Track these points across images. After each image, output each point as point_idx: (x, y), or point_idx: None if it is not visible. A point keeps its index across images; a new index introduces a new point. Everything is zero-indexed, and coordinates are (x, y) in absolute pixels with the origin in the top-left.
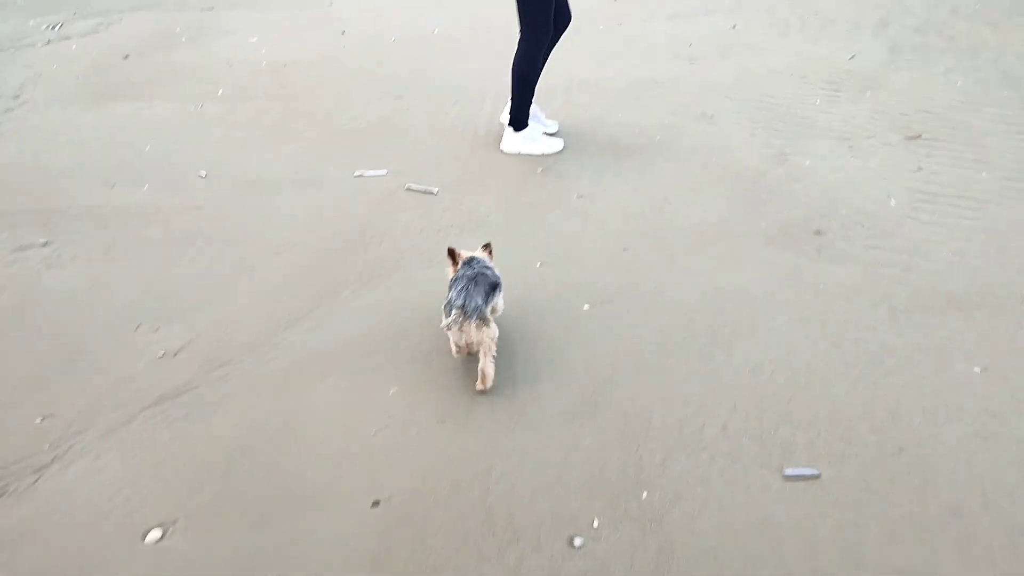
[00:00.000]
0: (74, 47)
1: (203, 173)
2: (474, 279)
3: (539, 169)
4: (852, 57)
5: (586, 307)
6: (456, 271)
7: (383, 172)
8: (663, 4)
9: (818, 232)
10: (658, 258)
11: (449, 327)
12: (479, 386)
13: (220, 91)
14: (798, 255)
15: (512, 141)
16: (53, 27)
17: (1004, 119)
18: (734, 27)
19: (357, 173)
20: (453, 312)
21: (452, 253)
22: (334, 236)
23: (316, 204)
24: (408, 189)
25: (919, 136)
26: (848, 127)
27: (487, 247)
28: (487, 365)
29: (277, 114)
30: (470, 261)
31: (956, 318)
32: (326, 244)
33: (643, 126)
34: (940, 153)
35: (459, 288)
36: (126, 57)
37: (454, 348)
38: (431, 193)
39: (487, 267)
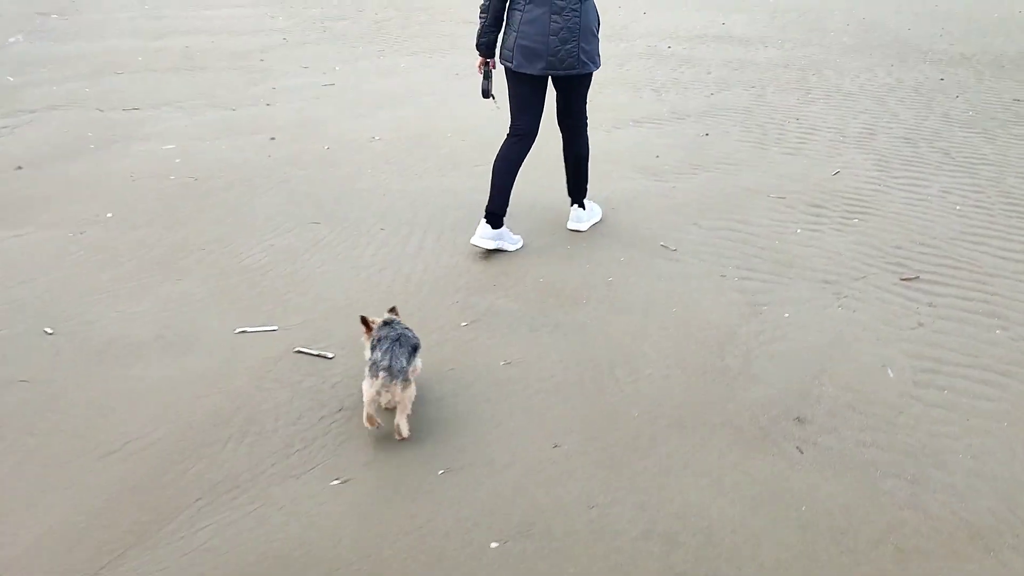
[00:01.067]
0: None
1: (50, 330)
2: (397, 340)
3: (463, 323)
4: (836, 173)
5: (494, 545)
6: (371, 335)
7: (273, 328)
8: (631, 107)
9: (799, 420)
10: (596, 460)
11: (379, 391)
12: (397, 437)
13: (110, 214)
14: (775, 458)
15: (583, 217)
16: None
17: (1013, 255)
18: (706, 135)
19: (239, 330)
20: (381, 374)
21: (365, 321)
22: (188, 427)
23: (179, 376)
24: (298, 352)
25: (916, 277)
26: (833, 265)
27: (393, 310)
28: (403, 420)
29: (167, 245)
30: (389, 323)
31: (982, 565)
32: (175, 439)
33: (593, 263)
34: (944, 301)
35: (384, 349)
36: (19, 168)
37: (368, 415)
38: (325, 358)
39: (407, 329)
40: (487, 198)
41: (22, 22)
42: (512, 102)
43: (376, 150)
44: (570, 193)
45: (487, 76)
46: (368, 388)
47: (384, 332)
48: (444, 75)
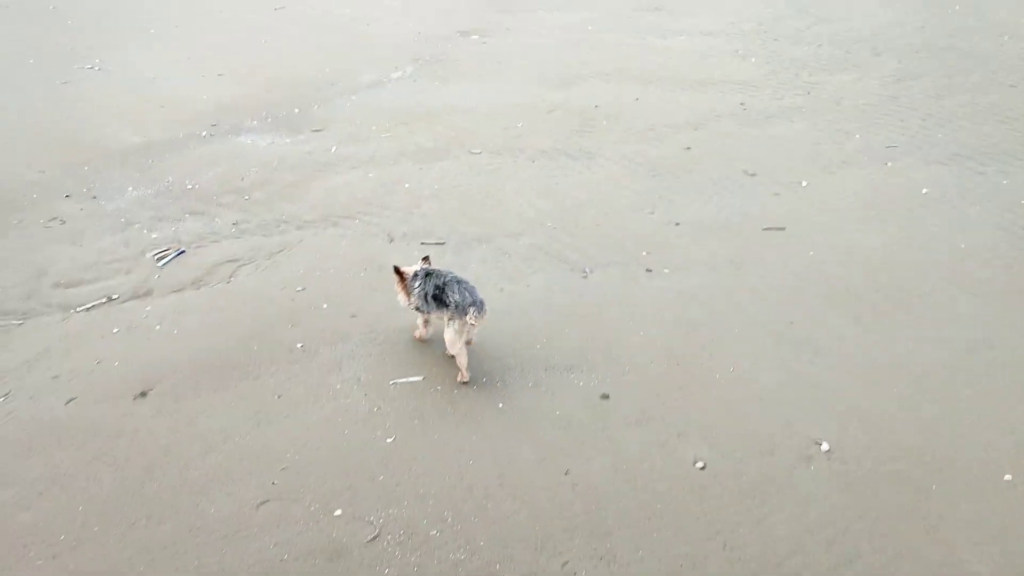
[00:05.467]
0: None
1: None
2: (458, 280)
3: None
4: None
5: None
6: (412, 284)
7: None
8: None
9: None
10: None
11: (473, 322)
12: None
13: None
14: None
15: None
16: None
17: None
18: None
19: None
20: (471, 310)
21: (398, 271)
22: None
23: None
24: None
25: None
26: None
27: (426, 259)
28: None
29: None
30: (430, 273)
31: None
32: None
33: None
34: None
35: (456, 289)
36: (141, 396)
37: (463, 359)
38: None
39: (450, 271)
40: None
41: (426, 45)
42: None
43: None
44: None
45: None
46: (458, 329)
47: (437, 280)
48: None
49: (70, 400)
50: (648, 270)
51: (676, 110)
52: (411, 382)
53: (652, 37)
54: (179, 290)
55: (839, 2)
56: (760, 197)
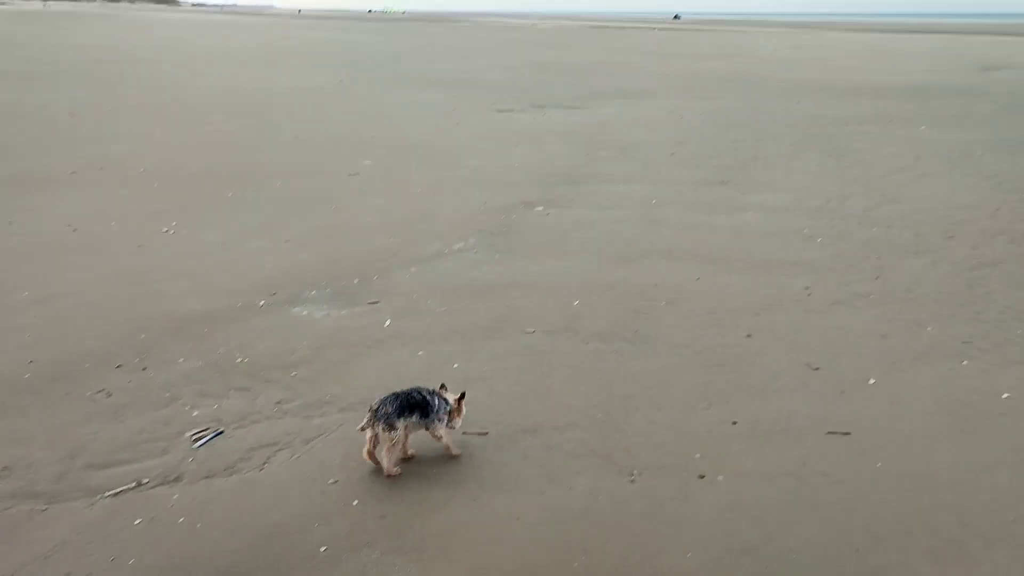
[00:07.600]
0: None
1: None
2: (397, 396)
3: None
4: None
5: None
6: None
7: None
8: None
9: None
10: None
11: (362, 428)
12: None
13: None
14: None
15: None
16: None
17: None
18: None
19: None
20: (367, 415)
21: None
22: None
23: None
24: None
25: None
26: None
27: (443, 387)
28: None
29: None
30: (415, 389)
31: None
32: None
33: None
34: None
35: (380, 398)
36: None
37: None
38: None
39: (429, 393)
40: None
41: (491, 216)
42: None
43: None
44: None
45: None
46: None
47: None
48: None
49: None
50: (700, 476)
51: (737, 293)
52: None
53: (717, 213)
54: (210, 476)
55: (908, 181)
56: (824, 395)
